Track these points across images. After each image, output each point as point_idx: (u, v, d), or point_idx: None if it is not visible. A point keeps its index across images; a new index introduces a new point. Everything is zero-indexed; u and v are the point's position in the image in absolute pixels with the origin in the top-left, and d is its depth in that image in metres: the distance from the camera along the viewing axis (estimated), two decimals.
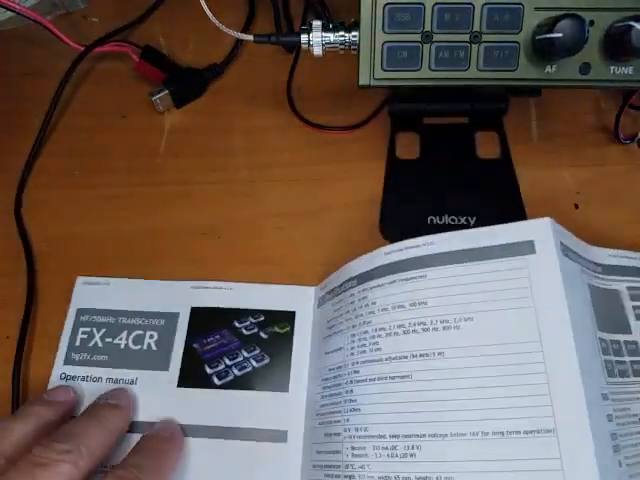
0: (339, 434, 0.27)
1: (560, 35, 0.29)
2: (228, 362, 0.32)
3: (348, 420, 0.27)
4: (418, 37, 0.31)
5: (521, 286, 0.25)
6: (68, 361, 0.33)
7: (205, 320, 0.33)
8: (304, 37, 0.33)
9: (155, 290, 0.34)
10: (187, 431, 0.30)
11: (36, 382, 0.33)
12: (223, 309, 0.33)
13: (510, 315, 0.25)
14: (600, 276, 0.29)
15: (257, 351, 0.32)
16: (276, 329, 0.33)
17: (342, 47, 0.33)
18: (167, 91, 0.40)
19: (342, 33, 0.32)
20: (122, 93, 0.42)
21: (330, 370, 0.29)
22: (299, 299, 0.34)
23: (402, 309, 0.27)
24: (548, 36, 0.29)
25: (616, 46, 0.30)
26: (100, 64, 0.44)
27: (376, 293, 0.28)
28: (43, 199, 0.39)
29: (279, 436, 0.30)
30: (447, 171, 0.38)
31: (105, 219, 0.38)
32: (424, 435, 0.24)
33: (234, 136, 0.40)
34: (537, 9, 0.30)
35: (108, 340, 0.33)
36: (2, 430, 0.27)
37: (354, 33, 0.32)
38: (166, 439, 0.29)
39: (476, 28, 0.31)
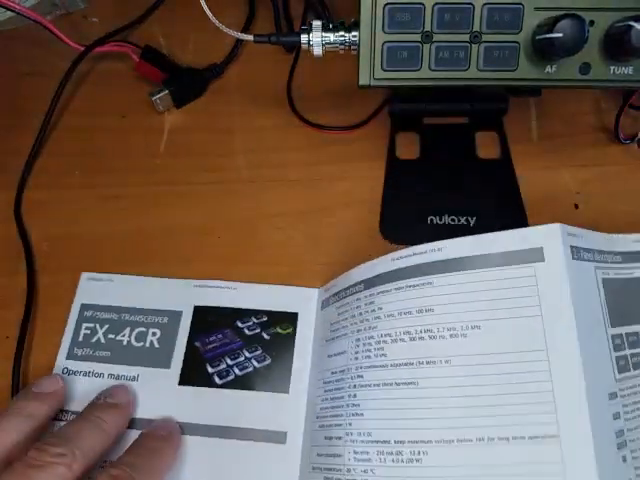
0: (341, 438, 0.27)
1: (560, 35, 0.29)
2: (229, 362, 0.32)
3: (351, 424, 0.27)
4: (418, 37, 0.31)
5: (529, 295, 0.25)
6: (70, 356, 0.33)
7: (208, 319, 0.33)
8: (304, 37, 0.33)
9: (158, 288, 0.34)
10: (187, 429, 0.30)
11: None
12: (226, 308, 0.33)
13: (517, 324, 0.25)
14: (621, 265, 0.28)
15: (259, 351, 0.32)
16: (278, 330, 0.33)
17: (342, 47, 0.33)
18: (167, 91, 0.40)
19: (342, 33, 0.32)
20: (122, 93, 0.42)
21: (333, 373, 0.29)
22: (302, 300, 0.34)
23: (409, 315, 0.27)
24: (548, 36, 0.29)
25: (616, 46, 0.30)
26: (100, 64, 0.44)
27: (383, 299, 0.28)
28: (43, 199, 0.39)
29: (278, 437, 0.30)
30: (447, 171, 0.38)
31: (105, 219, 0.38)
32: (430, 441, 0.24)
33: (234, 136, 0.41)
34: (537, 9, 0.30)
35: (111, 336, 0.33)
36: None
37: (354, 33, 0.32)
38: (163, 437, 0.29)
39: (476, 28, 0.31)
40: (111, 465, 0.26)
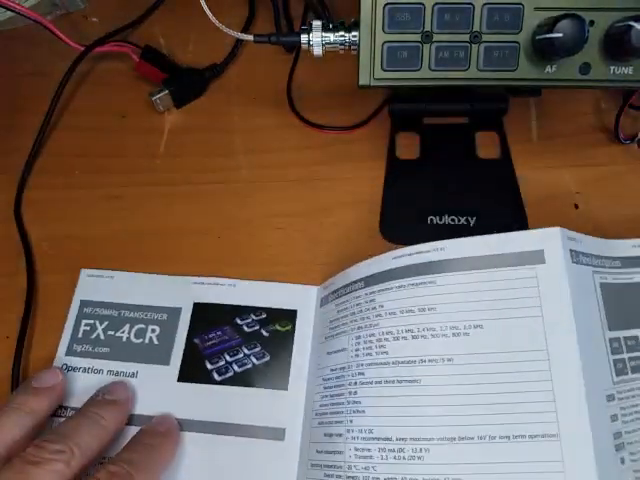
0: (341, 435, 0.27)
1: (560, 35, 0.29)
2: (228, 358, 0.32)
3: (352, 421, 0.27)
4: (418, 37, 0.31)
5: (530, 295, 0.25)
6: (70, 352, 0.33)
7: (207, 316, 0.33)
8: (304, 37, 0.33)
9: (158, 285, 0.34)
10: (185, 426, 0.30)
11: None
12: (225, 305, 0.34)
13: (518, 324, 0.25)
14: (620, 270, 0.29)
15: (258, 348, 0.32)
16: (277, 327, 0.33)
17: (342, 47, 0.33)
18: (167, 91, 0.40)
19: (342, 33, 0.32)
20: (122, 93, 0.42)
21: (332, 370, 0.29)
22: (301, 298, 0.34)
23: (411, 314, 0.27)
24: (548, 36, 0.29)
25: (616, 46, 0.30)
26: (100, 64, 0.44)
27: (384, 296, 0.28)
28: (43, 199, 0.39)
29: (277, 433, 0.30)
30: (447, 171, 0.38)
31: (105, 219, 0.38)
32: (432, 438, 0.25)
33: (234, 136, 0.40)
34: (537, 9, 0.30)
35: (110, 333, 0.33)
36: None
37: (354, 33, 0.32)
38: (161, 433, 0.29)
39: (476, 28, 0.31)
40: (109, 462, 0.26)
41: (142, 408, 0.31)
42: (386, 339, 0.27)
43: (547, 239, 0.26)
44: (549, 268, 0.25)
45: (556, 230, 0.26)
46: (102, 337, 0.33)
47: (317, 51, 0.33)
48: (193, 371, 0.32)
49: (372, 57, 0.32)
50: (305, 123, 0.40)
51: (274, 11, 0.43)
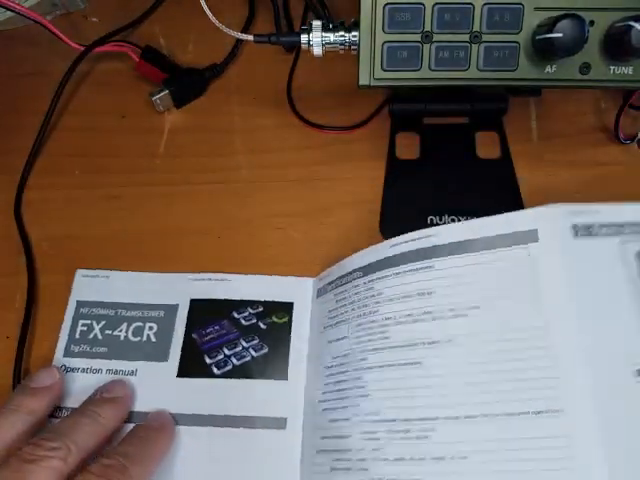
0: (348, 419, 0.28)
1: (560, 35, 0.29)
2: (227, 352, 0.32)
3: (358, 405, 0.27)
4: (418, 37, 0.31)
5: (525, 274, 0.26)
6: (68, 353, 0.33)
7: (204, 311, 0.34)
8: (304, 37, 0.33)
9: (154, 282, 0.35)
10: (187, 420, 0.31)
11: None
12: (222, 300, 0.34)
13: (515, 303, 0.26)
14: None
15: (256, 341, 0.32)
16: (274, 319, 0.33)
17: (342, 47, 0.33)
18: (167, 91, 0.40)
19: (342, 33, 0.32)
20: (122, 93, 0.42)
21: (334, 358, 0.30)
22: (297, 290, 0.34)
23: (410, 299, 0.28)
24: (548, 36, 0.29)
25: (616, 46, 0.30)
26: (100, 64, 0.44)
27: (382, 284, 0.29)
28: (43, 199, 0.39)
29: (278, 423, 0.30)
30: (447, 171, 0.38)
31: (105, 219, 0.38)
32: (437, 418, 0.25)
33: (234, 136, 0.40)
34: (537, 9, 0.30)
35: (108, 332, 0.33)
36: None
37: (354, 33, 0.32)
38: (155, 428, 0.29)
39: (476, 28, 0.31)
40: (103, 455, 0.26)
41: (142, 405, 0.31)
42: (387, 324, 0.28)
43: (540, 218, 0.26)
44: (542, 246, 0.26)
45: (549, 208, 0.26)
46: (100, 337, 0.33)
47: (317, 51, 0.33)
48: (192, 366, 0.32)
49: (372, 57, 0.32)
50: (305, 123, 0.40)
51: (274, 11, 0.44)
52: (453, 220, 0.36)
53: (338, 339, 0.30)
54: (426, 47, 0.31)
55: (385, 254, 0.30)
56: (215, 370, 0.32)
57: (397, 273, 0.29)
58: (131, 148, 0.40)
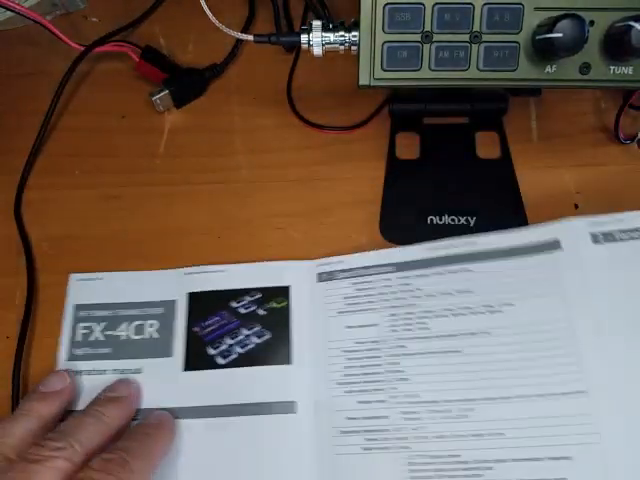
0: (384, 401, 0.30)
1: (560, 35, 0.29)
2: (230, 341, 0.32)
3: (396, 388, 0.30)
4: (418, 37, 0.31)
5: (550, 277, 0.30)
6: (71, 357, 0.33)
7: (203, 304, 0.34)
8: (304, 37, 0.33)
9: (150, 280, 0.35)
10: (197, 413, 0.31)
11: (37, 380, 0.32)
12: (219, 291, 0.34)
13: (543, 301, 0.30)
14: None
15: (257, 328, 0.33)
16: (273, 304, 0.33)
17: (342, 47, 0.33)
18: (167, 91, 0.40)
19: (342, 33, 0.32)
20: (122, 93, 0.42)
21: (358, 343, 0.32)
22: (293, 274, 0.34)
23: (450, 296, 0.31)
24: (548, 36, 0.29)
25: (616, 46, 0.30)
26: (100, 64, 0.44)
27: (421, 281, 0.32)
28: (43, 199, 0.39)
29: (288, 407, 0.31)
30: (447, 171, 0.38)
31: (105, 219, 0.38)
32: (476, 399, 0.29)
33: (234, 136, 0.40)
34: (537, 9, 0.30)
35: (109, 333, 0.33)
36: (3, 433, 0.27)
37: (354, 33, 0.32)
38: (155, 425, 0.29)
39: (476, 28, 0.31)
40: (105, 451, 0.27)
41: (151, 402, 0.31)
42: (427, 317, 0.31)
43: (562, 229, 0.31)
44: (565, 253, 0.30)
45: (569, 221, 0.31)
46: (102, 338, 0.33)
47: (317, 51, 0.33)
48: (197, 359, 0.32)
49: (372, 57, 0.32)
50: (305, 123, 0.40)
51: (274, 11, 0.44)
52: (453, 220, 0.36)
53: (363, 325, 0.32)
54: (426, 47, 0.31)
55: (423, 255, 0.33)
56: (220, 360, 0.32)
57: (438, 273, 0.32)
58: (131, 148, 0.40)
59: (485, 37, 0.31)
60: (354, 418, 0.30)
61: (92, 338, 0.33)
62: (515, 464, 0.27)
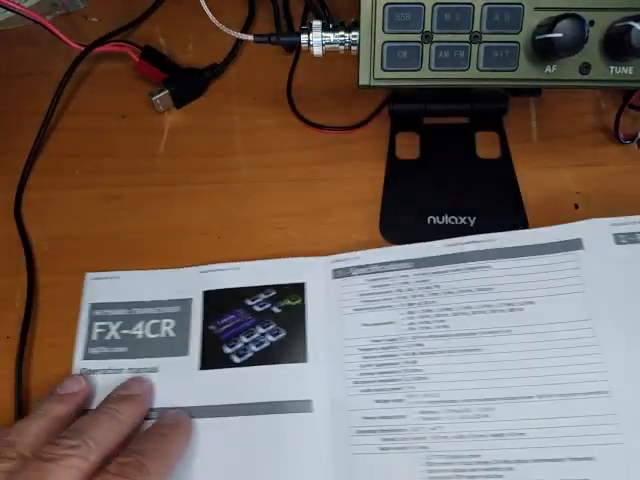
0: (402, 400, 0.30)
1: (560, 35, 0.29)
2: (245, 340, 0.32)
3: (413, 387, 0.30)
4: (418, 37, 0.31)
5: (572, 275, 0.30)
6: (87, 356, 0.33)
7: (218, 302, 0.34)
8: (304, 37, 0.33)
9: (165, 279, 0.35)
10: (213, 412, 0.31)
11: (38, 380, 0.33)
12: (234, 289, 0.34)
13: (565, 299, 0.30)
14: None
15: (272, 326, 0.33)
16: (288, 302, 0.33)
17: (342, 47, 0.33)
18: (167, 91, 0.40)
19: (342, 33, 0.32)
20: (122, 93, 0.42)
21: (375, 341, 0.31)
22: (307, 271, 0.34)
23: (469, 293, 0.31)
24: (548, 36, 0.29)
25: (616, 46, 0.30)
26: (100, 64, 0.44)
27: (440, 278, 0.32)
28: (43, 199, 0.39)
29: (304, 406, 0.30)
30: (447, 171, 0.38)
31: (105, 219, 0.38)
32: (496, 398, 0.28)
33: (234, 136, 0.40)
34: (537, 9, 0.30)
35: (125, 332, 0.33)
36: (19, 432, 0.27)
37: (354, 33, 0.32)
38: (170, 425, 0.29)
39: (476, 28, 0.31)
40: (120, 455, 0.26)
41: (167, 401, 0.31)
42: (445, 314, 0.31)
43: (585, 229, 0.31)
44: (587, 252, 0.30)
45: (592, 221, 0.31)
46: (117, 337, 0.33)
47: (317, 51, 0.33)
48: (213, 357, 0.32)
49: (372, 57, 0.32)
50: (305, 123, 0.40)
51: (274, 11, 0.44)
52: (453, 220, 0.36)
53: (379, 323, 0.32)
54: (426, 47, 0.31)
55: (441, 252, 0.33)
56: (236, 359, 0.32)
57: (457, 270, 0.32)
58: (131, 148, 0.40)
59: (485, 37, 0.31)
60: (371, 417, 0.30)
61: (108, 337, 0.33)
62: (536, 464, 0.27)
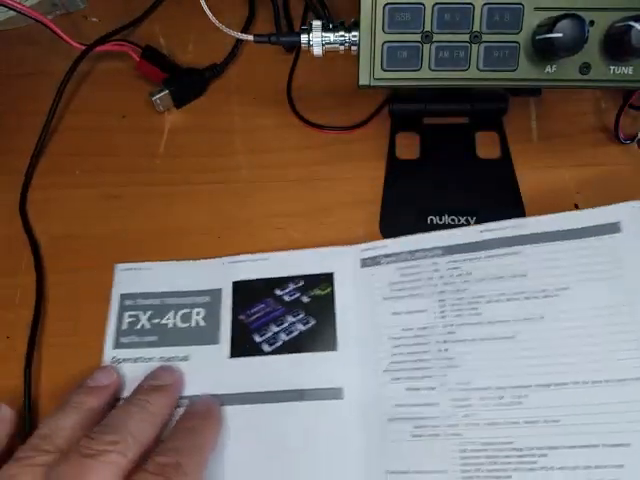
0: (434, 388, 0.30)
1: (560, 35, 0.29)
2: (275, 328, 0.33)
3: (446, 375, 0.30)
4: (418, 37, 0.31)
5: (610, 260, 0.29)
6: (118, 345, 0.33)
7: (247, 292, 0.34)
8: (304, 37, 0.33)
9: (193, 270, 0.35)
10: (243, 399, 0.31)
11: (48, 379, 0.33)
12: (263, 279, 0.34)
13: (602, 284, 0.29)
14: None
15: (302, 315, 0.33)
16: (317, 291, 0.33)
17: (342, 47, 0.33)
18: (167, 91, 0.40)
19: (342, 33, 0.32)
20: (122, 93, 0.42)
21: (405, 330, 0.31)
22: (336, 260, 0.34)
23: (502, 280, 0.31)
24: (548, 36, 0.29)
25: (616, 46, 0.30)
26: (100, 64, 0.44)
27: (471, 265, 0.32)
28: (45, 199, 0.39)
29: (335, 393, 0.31)
30: (447, 171, 0.38)
31: (105, 218, 0.38)
32: (530, 385, 0.28)
33: (234, 136, 0.41)
34: (537, 9, 0.30)
35: (155, 321, 0.33)
36: (54, 425, 0.27)
37: (354, 33, 0.32)
38: (200, 415, 0.29)
39: (476, 28, 0.31)
40: (156, 453, 0.26)
41: (198, 389, 0.31)
42: (478, 302, 0.31)
43: (622, 212, 0.30)
44: (625, 236, 0.29)
45: (631, 204, 0.30)
46: (148, 326, 0.33)
47: (317, 51, 0.33)
48: (243, 346, 0.32)
49: (372, 57, 0.32)
50: (305, 123, 0.40)
51: (274, 11, 0.44)
52: (453, 220, 0.36)
53: (411, 312, 0.31)
54: (426, 47, 0.31)
55: (472, 238, 0.32)
56: (266, 347, 0.32)
57: (490, 256, 0.31)
58: (131, 148, 0.40)
59: (485, 37, 0.31)
60: (402, 405, 0.30)
61: (138, 326, 0.33)
62: (570, 451, 0.27)
